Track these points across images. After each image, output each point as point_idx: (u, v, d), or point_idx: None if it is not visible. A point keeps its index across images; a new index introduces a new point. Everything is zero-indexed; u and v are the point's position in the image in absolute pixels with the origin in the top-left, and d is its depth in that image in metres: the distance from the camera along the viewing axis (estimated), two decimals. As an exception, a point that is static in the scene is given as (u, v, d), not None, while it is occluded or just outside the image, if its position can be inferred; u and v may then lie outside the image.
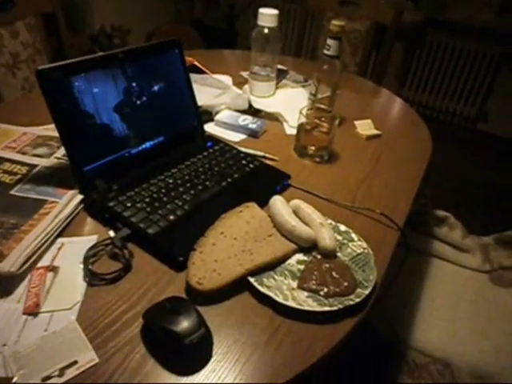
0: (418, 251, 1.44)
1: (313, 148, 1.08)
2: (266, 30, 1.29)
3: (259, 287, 0.69)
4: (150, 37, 3.21)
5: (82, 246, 0.74)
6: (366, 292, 0.70)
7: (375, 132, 1.23)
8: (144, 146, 0.94)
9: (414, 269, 1.39)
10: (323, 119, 1.09)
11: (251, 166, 0.98)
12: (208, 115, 1.20)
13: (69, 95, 0.80)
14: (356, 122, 1.25)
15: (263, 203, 0.86)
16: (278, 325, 0.66)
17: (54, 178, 0.86)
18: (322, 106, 1.15)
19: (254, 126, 1.15)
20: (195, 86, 1.22)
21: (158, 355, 0.59)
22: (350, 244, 0.81)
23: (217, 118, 1.18)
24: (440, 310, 1.30)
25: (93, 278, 0.69)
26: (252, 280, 0.70)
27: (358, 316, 0.69)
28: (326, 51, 1.15)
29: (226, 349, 0.62)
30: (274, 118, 1.25)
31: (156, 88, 0.96)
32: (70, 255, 0.73)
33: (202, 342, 0.59)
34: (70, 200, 0.81)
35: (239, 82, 1.41)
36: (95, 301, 0.67)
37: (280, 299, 0.67)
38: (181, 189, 0.87)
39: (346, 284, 0.71)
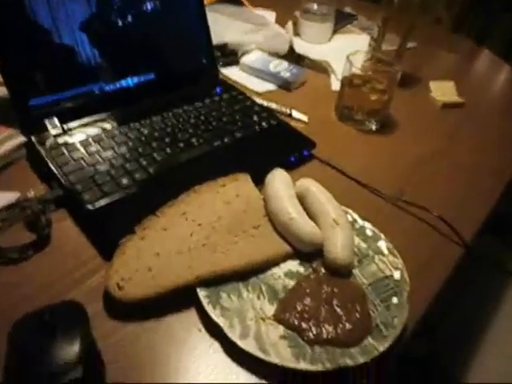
0: (500, 267, 1.09)
1: (360, 110, 0.77)
2: (326, -50, 0.97)
3: (209, 308, 0.44)
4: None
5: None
6: (381, 348, 0.42)
7: (456, 99, 0.88)
8: (124, 82, 0.71)
9: (491, 290, 1.04)
10: (381, 75, 0.77)
11: (264, 124, 0.71)
12: (233, 56, 0.93)
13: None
14: (431, 83, 0.91)
15: (263, 178, 0.59)
16: (223, 374, 0.41)
17: (1, 112, 0.66)
18: (384, 58, 0.83)
19: (287, 75, 0.87)
20: (224, 19, 0.96)
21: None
22: (376, 258, 0.52)
23: (243, 60, 0.91)
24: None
25: (-14, 253, 0.49)
26: (201, 295, 0.45)
27: (358, 385, 0.42)
28: (399, -24, 0.82)
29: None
30: (320, 67, 0.95)
31: (149, 6, 0.71)
32: (-23, 215, 0.53)
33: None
34: (3, 142, 0.61)
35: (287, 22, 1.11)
36: (-24, 286, 0.47)
37: (234, 335, 0.42)
38: (154, 144, 0.64)
39: (349, 326, 0.44)
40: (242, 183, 0.58)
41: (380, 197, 0.64)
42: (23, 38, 0.61)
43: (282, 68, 0.88)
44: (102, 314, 0.45)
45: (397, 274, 0.50)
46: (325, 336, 0.43)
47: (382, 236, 0.54)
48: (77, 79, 0.66)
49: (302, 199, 0.56)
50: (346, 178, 0.66)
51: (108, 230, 0.51)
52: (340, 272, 0.49)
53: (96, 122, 0.66)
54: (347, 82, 0.77)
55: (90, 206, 0.53)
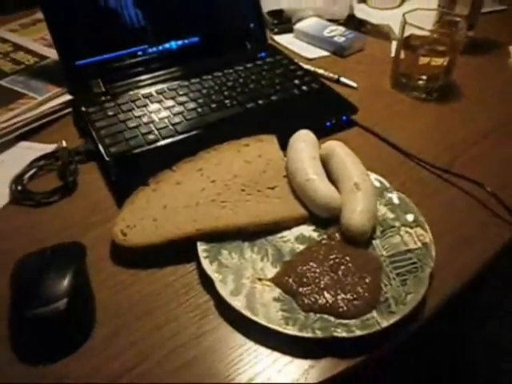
0: None
1: (416, 76, 0.70)
2: None
3: (205, 262, 0.42)
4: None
5: (38, 155, 0.58)
6: (384, 323, 0.37)
7: (542, 65, 0.75)
8: (167, 45, 0.71)
9: None
10: (443, 36, 0.68)
11: (304, 87, 0.67)
12: (289, 23, 0.89)
13: (59, -41, 0.62)
14: (512, 48, 0.79)
15: (293, 141, 0.56)
16: (206, 331, 0.40)
17: (55, 73, 0.70)
18: (456, 20, 0.73)
19: (341, 40, 0.81)
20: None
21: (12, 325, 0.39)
22: (402, 230, 0.46)
23: (297, 26, 0.87)
24: None
25: (19, 194, 0.53)
26: (200, 248, 0.44)
27: (349, 361, 0.37)
28: None
29: (105, 342, 0.38)
30: (382, 34, 0.87)
31: (195, -33, 0.71)
32: (19, 163, 0.57)
33: (58, 321, 0.36)
34: (50, 99, 0.65)
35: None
36: (6, 223, 0.50)
37: (224, 291, 0.40)
38: (187, 104, 0.63)
39: (350, 297, 0.39)
40: (267, 144, 0.56)
41: (424, 168, 0.57)
42: (70, 2, 0.64)
43: (337, 33, 0.83)
44: (106, 260, 0.45)
45: (421, 250, 0.43)
46: (321, 303, 0.39)
47: (414, 208, 0.48)
48: (121, 41, 0.68)
49: (326, 162, 0.51)
50: (388, 147, 0.60)
51: (123, 181, 0.52)
52: (356, 240, 0.45)
53: (136, 83, 0.68)
54: (402, 44, 0.70)
55: (110, 157, 0.54)
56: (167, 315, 0.41)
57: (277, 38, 0.87)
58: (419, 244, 0.44)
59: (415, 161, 0.58)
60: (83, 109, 0.62)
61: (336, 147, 0.51)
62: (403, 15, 0.68)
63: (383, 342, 0.38)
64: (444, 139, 0.62)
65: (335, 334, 0.36)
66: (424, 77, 0.69)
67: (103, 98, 0.64)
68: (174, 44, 0.72)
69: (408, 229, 0.46)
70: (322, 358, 0.37)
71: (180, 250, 0.45)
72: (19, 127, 0.61)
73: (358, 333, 0.37)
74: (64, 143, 0.57)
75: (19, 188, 0.53)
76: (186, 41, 0.73)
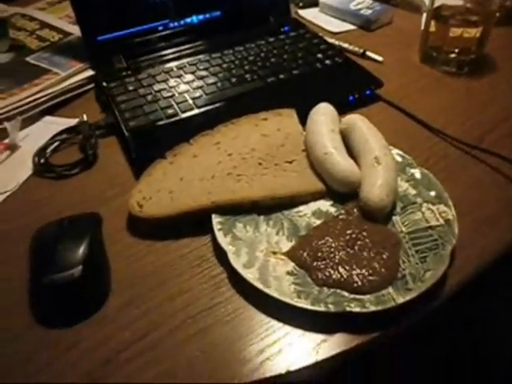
0: None
1: (447, 48, 0.66)
2: None
3: (219, 234, 0.42)
4: None
5: (60, 129, 0.59)
6: (399, 300, 0.36)
7: None
8: (188, 20, 0.70)
9: None
10: (476, 5, 0.64)
11: (327, 61, 0.65)
12: (314, -3, 0.87)
13: None
14: (553, 18, 0.74)
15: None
16: (218, 302, 0.40)
17: (78, 49, 0.71)
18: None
19: (368, 12, 0.78)
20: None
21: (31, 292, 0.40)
22: (424, 206, 0.44)
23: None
24: None
25: (41, 167, 0.54)
26: (215, 221, 0.44)
27: (363, 337, 0.36)
28: None
29: (119, 311, 0.39)
30: (412, 5, 0.83)
31: None
32: (42, 137, 0.58)
33: (73, 287, 0.37)
34: (74, 74, 0.65)
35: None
36: (28, 195, 0.51)
37: (237, 263, 0.40)
38: (208, 79, 0.62)
39: (366, 272, 0.38)
40: (286, 118, 0.54)
41: (450, 144, 0.54)
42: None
43: (364, 6, 0.80)
44: (123, 231, 0.46)
45: (444, 227, 0.42)
46: (335, 277, 0.38)
47: (438, 184, 0.46)
48: (142, 17, 0.68)
49: (347, 136, 0.50)
50: (412, 122, 0.58)
51: (142, 155, 0.52)
52: (374, 215, 0.43)
53: (157, 58, 0.67)
54: (433, 14, 0.66)
55: (129, 131, 0.54)
56: (180, 286, 0.41)
57: (302, 12, 0.85)
58: (441, 221, 0.42)
59: (441, 136, 0.55)
60: (104, 84, 0.63)
61: (357, 121, 0.49)
62: (434, -17, 0.64)
63: (399, 319, 0.37)
64: (473, 115, 0.59)
65: (348, 308, 0.36)
66: (455, 50, 0.66)
67: (124, 73, 0.64)
68: (195, 18, 0.71)
69: (430, 205, 0.44)
70: (334, 333, 0.37)
71: (195, 223, 0.45)
72: (43, 102, 0.62)
73: (372, 308, 0.36)
74: (85, 117, 0.58)
75: (42, 161, 0.54)
76: (207, 15, 0.71)
